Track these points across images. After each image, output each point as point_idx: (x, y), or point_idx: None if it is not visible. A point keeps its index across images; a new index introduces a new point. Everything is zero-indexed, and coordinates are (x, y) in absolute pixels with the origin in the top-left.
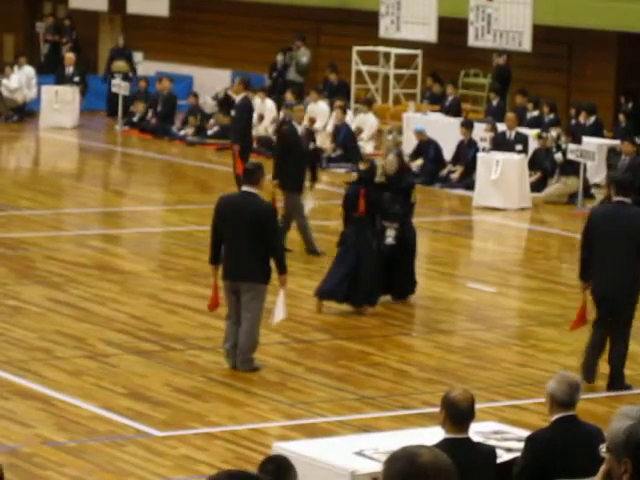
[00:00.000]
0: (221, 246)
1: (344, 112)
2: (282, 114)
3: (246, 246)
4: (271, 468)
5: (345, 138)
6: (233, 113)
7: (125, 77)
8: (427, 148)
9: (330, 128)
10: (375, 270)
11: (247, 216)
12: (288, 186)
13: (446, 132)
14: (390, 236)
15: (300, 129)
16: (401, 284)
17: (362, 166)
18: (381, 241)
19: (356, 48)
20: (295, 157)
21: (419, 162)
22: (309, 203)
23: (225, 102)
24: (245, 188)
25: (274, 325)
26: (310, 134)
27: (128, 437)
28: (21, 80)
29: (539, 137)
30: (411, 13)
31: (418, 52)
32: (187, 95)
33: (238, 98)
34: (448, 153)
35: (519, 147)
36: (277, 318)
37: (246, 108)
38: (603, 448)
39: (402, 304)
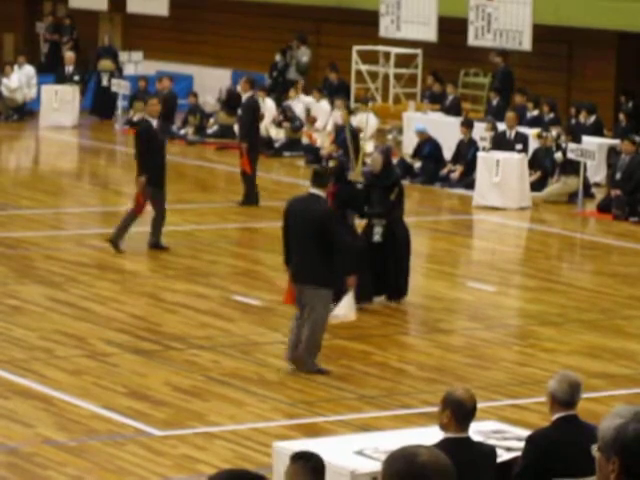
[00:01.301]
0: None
1: (350, 112)
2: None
3: (310, 249)
4: (309, 467)
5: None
6: (240, 112)
7: (111, 76)
8: (424, 147)
9: (330, 127)
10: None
11: (310, 218)
12: (149, 181)
13: (446, 131)
14: (377, 233)
15: (155, 123)
16: (396, 284)
17: (331, 164)
18: (369, 237)
19: (356, 47)
20: (153, 151)
21: (419, 163)
22: None
23: (228, 101)
24: (312, 190)
25: (334, 322)
26: (164, 127)
27: (128, 436)
28: (21, 80)
29: (539, 136)
30: (411, 12)
31: (418, 51)
32: (187, 94)
33: (244, 97)
34: (448, 152)
35: (519, 146)
36: (338, 314)
37: (253, 107)
38: (595, 447)
39: (401, 304)
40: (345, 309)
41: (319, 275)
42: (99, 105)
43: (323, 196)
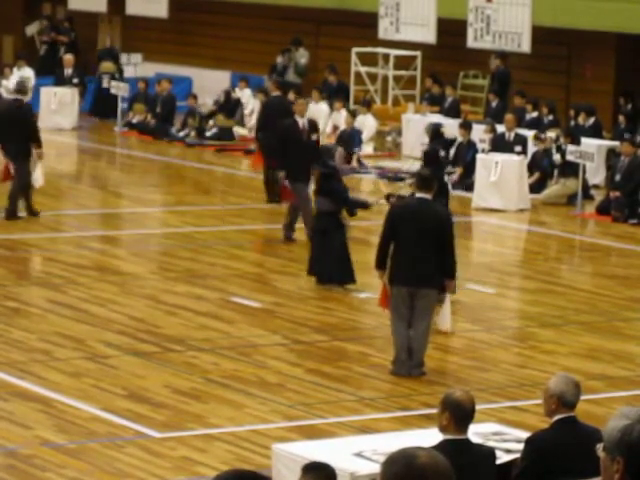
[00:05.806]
0: (388, 251)
1: (353, 115)
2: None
3: (427, 251)
4: (323, 476)
5: (350, 142)
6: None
7: (112, 77)
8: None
9: (329, 129)
10: (315, 251)
11: (427, 221)
12: (294, 177)
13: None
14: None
15: (302, 122)
16: None
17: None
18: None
19: (355, 49)
20: (297, 149)
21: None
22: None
23: (226, 103)
24: (420, 194)
25: (445, 331)
26: (313, 126)
27: (127, 438)
28: None
29: (537, 138)
30: (410, 14)
31: (417, 53)
32: (186, 96)
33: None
34: None
35: (518, 148)
36: (447, 325)
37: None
38: (600, 447)
39: None
40: (448, 320)
41: (434, 277)
42: (99, 106)
43: (431, 199)
